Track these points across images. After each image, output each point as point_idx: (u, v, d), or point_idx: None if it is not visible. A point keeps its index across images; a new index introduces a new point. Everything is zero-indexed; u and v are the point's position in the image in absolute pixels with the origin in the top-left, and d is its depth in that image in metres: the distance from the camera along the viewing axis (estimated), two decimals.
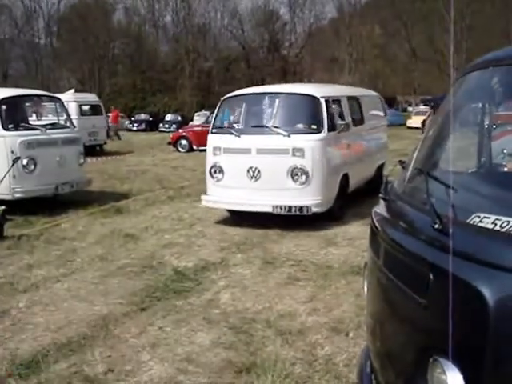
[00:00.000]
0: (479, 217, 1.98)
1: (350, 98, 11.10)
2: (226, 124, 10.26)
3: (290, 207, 8.77)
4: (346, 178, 9.98)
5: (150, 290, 6.25)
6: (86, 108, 24.41)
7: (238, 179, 9.26)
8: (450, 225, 2.02)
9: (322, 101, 9.29)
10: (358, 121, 11.28)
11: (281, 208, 8.79)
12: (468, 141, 3.17)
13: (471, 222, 2.00)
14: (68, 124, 12.09)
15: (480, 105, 3.00)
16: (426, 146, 2.97)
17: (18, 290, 6.40)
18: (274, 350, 4.73)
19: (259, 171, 9.07)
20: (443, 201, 2.17)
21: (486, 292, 1.76)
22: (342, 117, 10.07)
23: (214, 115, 10.44)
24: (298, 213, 8.75)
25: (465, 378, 1.81)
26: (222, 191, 9.51)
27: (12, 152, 10.13)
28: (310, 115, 9.48)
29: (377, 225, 2.82)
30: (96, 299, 6.02)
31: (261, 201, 8.94)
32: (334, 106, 9.84)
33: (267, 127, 9.36)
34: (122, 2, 69.78)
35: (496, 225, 1.90)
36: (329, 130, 9.17)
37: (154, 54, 66.30)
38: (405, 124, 43.53)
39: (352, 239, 8.36)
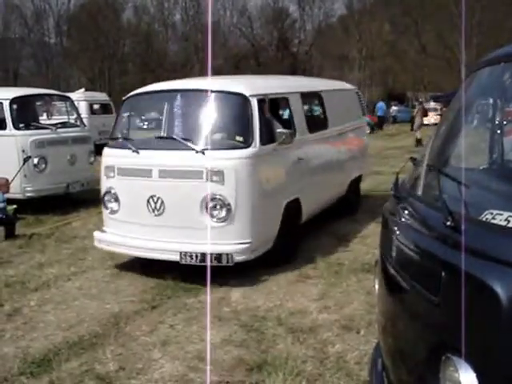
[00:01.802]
0: (492, 213, 1.97)
1: (306, 95, 8.69)
2: (126, 133, 7.56)
3: (204, 255, 6.17)
4: (296, 205, 7.44)
5: (160, 288, 6.26)
6: (96, 107, 24.45)
7: (136, 212, 6.77)
8: (463, 222, 2.00)
9: (253, 101, 6.65)
10: (319, 125, 8.73)
11: (191, 256, 6.25)
12: (479, 137, 3.15)
13: (484, 219, 1.98)
14: (78, 123, 12.11)
15: (491, 101, 2.98)
16: (437, 143, 2.95)
17: (30, 288, 6.42)
18: (285, 348, 4.73)
19: (162, 202, 6.54)
20: (455, 197, 2.16)
21: (499, 289, 1.74)
22: (289, 122, 7.72)
23: (114, 122, 7.93)
24: (215, 263, 6.14)
25: (478, 376, 1.80)
26: (118, 227, 6.99)
27: (23, 151, 10.17)
28: (233, 122, 6.96)
29: (388, 222, 2.80)
30: (107, 297, 6.04)
31: (165, 245, 6.45)
32: (274, 108, 7.60)
33: (174, 139, 6.85)
34: (132, 1, 69.88)
35: (509, 222, 1.89)
36: (263, 143, 6.61)
37: (163, 53, 66.37)
38: None
39: (363, 236, 8.34)
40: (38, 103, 13.11)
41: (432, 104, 44.80)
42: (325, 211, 8.88)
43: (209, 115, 6.91)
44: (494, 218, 1.95)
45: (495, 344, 1.76)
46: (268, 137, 6.78)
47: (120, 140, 7.21)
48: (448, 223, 2.06)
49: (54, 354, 4.71)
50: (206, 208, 6.32)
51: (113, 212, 6.97)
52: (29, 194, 10.28)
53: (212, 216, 6.33)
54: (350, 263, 7.01)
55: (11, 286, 6.51)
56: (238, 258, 6.23)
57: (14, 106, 10.57)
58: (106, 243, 6.98)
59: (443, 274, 2.00)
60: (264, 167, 6.78)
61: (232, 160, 6.41)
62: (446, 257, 2.03)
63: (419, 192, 2.70)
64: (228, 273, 6.36)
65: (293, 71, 61.78)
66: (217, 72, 63.71)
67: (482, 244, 1.92)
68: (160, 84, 8.02)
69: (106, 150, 7.20)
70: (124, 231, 6.85)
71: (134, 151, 6.74)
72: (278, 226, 6.92)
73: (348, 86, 11.53)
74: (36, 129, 10.84)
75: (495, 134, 2.97)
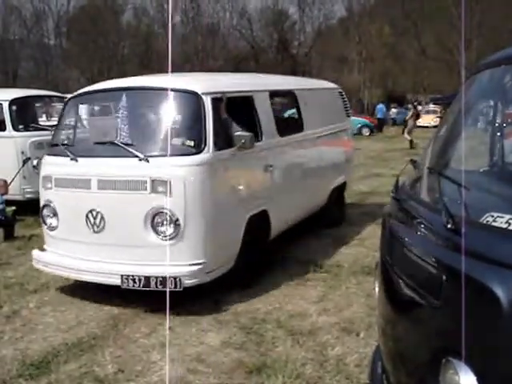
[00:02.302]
0: (492, 216, 1.96)
1: (277, 94, 7.99)
2: (68, 138, 6.67)
3: (148, 279, 5.40)
4: (263, 218, 6.65)
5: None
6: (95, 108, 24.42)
7: (74, 228, 6.00)
8: (463, 224, 2.00)
9: (207, 100, 5.85)
10: (292, 127, 7.95)
11: (134, 280, 5.46)
12: (480, 139, 3.14)
13: (484, 222, 1.97)
14: None
15: (492, 103, 2.98)
16: (437, 145, 2.94)
17: (29, 290, 6.41)
18: (285, 351, 4.73)
19: (102, 217, 5.77)
20: (456, 200, 2.15)
21: (500, 292, 1.74)
22: (255, 124, 6.72)
23: (56, 125, 7.10)
24: (159, 287, 5.36)
25: (478, 379, 1.79)
26: (57, 246, 6.24)
27: (22, 153, 10.17)
28: (184, 124, 6.08)
29: (388, 224, 2.80)
30: (106, 299, 6.02)
31: (105, 266, 5.72)
32: (236, 108, 6.47)
33: (115, 144, 5.88)
34: (131, 3, 69.96)
35: (510, 224, 1.88)
36: (219, 148, 5.83)
37: (163, 54, 66.24)
38: None
39: (363, 239, 8.33)
40: (38, 104, 13.04)
41: (431, 106, 44.80)
42: (303, 223, 8.23)
43: (155, 117, 6.26)
44: (494, 221, 1.94)
45: (496, 347, 1.76)
46: (225, 141, 5.99)
47: (60, 146, 6.32)
48: (449, 226, 2.06)
49: (52, 356, 4.71)
50: (152, 224, 5.57)
51: (51, 228, 6.21)
52: (28, 196, 10.25)
53: (158, 233, 5.58)
54: (350, 266, 7.00)
55: (10, 287, 6.51)
56: (189, 282, 5.42)
57: (14, 108, 10.56)
58: (44, 264, 6.21)
59: (444, 276, 1.99)
60: (219, 176, 5.97)
61: (180, 168, 5.59)
62: (446, 259, 2.02)
63: (420, 194, 2.70)
64: (226, 275, 6.35)
65: (292, 73, 61.82)
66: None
67: (483, 247, 1.91)
68: (107, 82, 7.06)
69: (44, 158, 6.52)
70: (63, 250, 6.08)
71: (72, 159, 5.98)
72: (240, 242, 6.12)
73: (330, 84, 10.39)
74: (35, 130, 10.80)
75: (496, 136, 2.96)
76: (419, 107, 40.37)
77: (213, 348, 4.83)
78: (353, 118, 31.04)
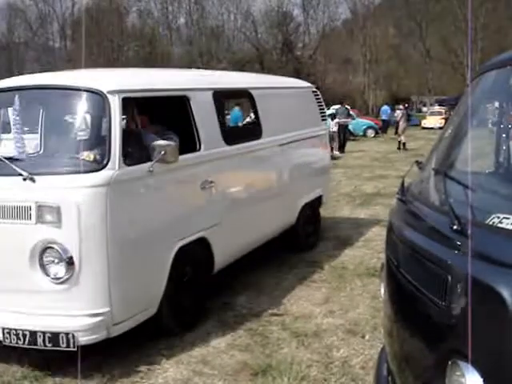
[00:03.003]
0: (498, 217, 1.95)
1: (225, 94, 6.55)
2: None
3: (35, 334, 4.22)
4: (202, 248, 5.39)
5: None
6: None
7: None
8: (469, 226, 1.99)
9: (114, 100, 4.55)
10: (246, 134, 6.94)
11: (18, 335, 4.26)
12: (485, 141, 3.13)
13: (490, 223, 1.97)
14: None
15: (497, 104, 2.97)
16: (443, 147, 2.94)
17: None
18: (290, 352, 4.72)
19: None
20: (461, 201, 2.14)
21: (506, 294, 1.73)
22: (189, 130, 5.43)
23: None
24: (48, 346, 4.23)
25: (485, 381, 1.78)
26: None
27: None
28: (82, 132, 4.70)
29: (394, 226, 2.79)
30: None
31: None
32: (160, 111, 5.63)
33: None
34: (136, 5, 70.01)
35: None
36: (130, 162, 4.56)
37: (167, 57, 66.41)
38: (419, 124, 43.33)
39: (368, 240, 8.31)
40: None
41: (437, 108, 44.76)
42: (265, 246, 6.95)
43: (49, 123, 5.11)
44: (500, 222, 1.93)
45: (502, 349, 1.75)
46: (140, 153, 4.74)
47: None
48: (454, 227, 2.05)
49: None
50: (39, 263, 4.31)
51: None
52: None
53: (47, 274, 4.30)
54: (355, 267, 6.99)
55: None
56: (86, 339, 4.22)
57: None
58: None
59: (450, 278, 1.99)
60: (130, 199, 4.59)
61: (74, 190, 4.29)
62: (452, 261, 2.01)
63: (425, 196, 2.69)
64: (232, 277, 6.35)
65: (297, 75, 61.89)
66: None
67: (489, 248, 1.91)
68: (2, 81, 5.37)
69: None
70: None
71: None
72: (164, 282, 4.81)
73: (301, 83, 9.01)
74: None
75: (501, 137, 2.95)
76: (424, 108, 40.33)
77: (218, 350, 4.82)
78: (358, 119, 31.03)
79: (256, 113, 6.83)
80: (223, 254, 5.71)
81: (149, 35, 67.80)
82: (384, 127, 36.46)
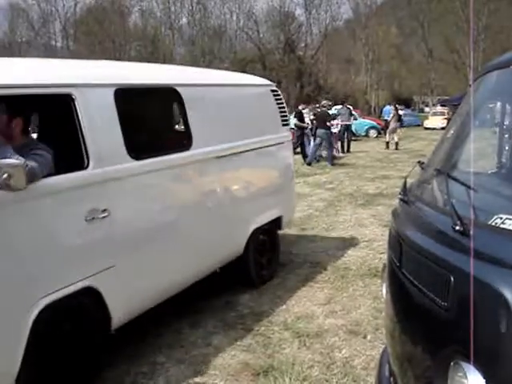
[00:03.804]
0: (501, 218, 1.95)
1: (135, 93, 4.89)
2: None
3: None
4: (90, 301, 4.08)
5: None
6: None
7: None
8: (472, 226, 1.99)
9: None
10: (165, 144, 5.20)
11: None
12: (488, 141, 3.13)
13: (493, 224, 1.96)
14: None
15: (500, 104, 2.96)
16: (445, 147, 2.93)
17: None
18: (292, 353, 4.71)
19: None
20: (464, 202, 2.14)
21: (509, 294, 1.73)
22: (72, 140, 4.06)
23: None
24: None
25: (487, 382, 1.78)
26: None
27: None
28: None
29: (396, 226, 2.78)
30: None
31: None
32: (31, 116, 4.55)
33: None
34: (138, 5, 70.08)
35: None
36: None
37: (169, 56, 66.48)
38: (421, 125, 43.33)
39: (370, 241, 8.31)
40: None
41: (439, 108, 44.74)
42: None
43: None
44: (503, 223, 1.93)
45: (505, 349, 1.74)
46: None
47: None
48: (457, 228, 2.05)
49: None
50: None
51: None
52: None
53: None
54: (357, 268, 6.98)
55: None
56: None
57: None
58: None
59: (452, 278, 1.98)
60: None
61: None
62: (454, 261, 2.01)
63: (428, 196, 2.69)
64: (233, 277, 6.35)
65: (299, 75, 61.92)
66: None
67: (492, 249, 1.90)
68: None
69: None
70: None
71: None
72: (20, 352, 3.48)
73: (255, 80, 7.22)
74: None
75: (504, 137, 2.95)
76: (426, 108, 40.36)
77: (219, 350, 4.82)
78: (360, 119, 30.97)
79: (185, 117, 5.28)
80: (124, 305, 4.35)
81: (151, 35, 67.87)
82: (386, 127, 36.48)
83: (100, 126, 4.20)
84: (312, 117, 20.85)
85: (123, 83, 4.61)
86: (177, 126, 6.34)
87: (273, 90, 6.97)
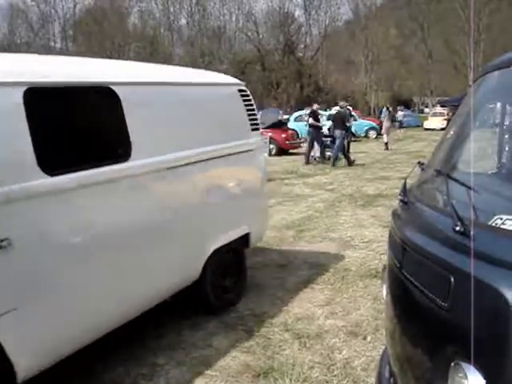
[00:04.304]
0: (501, 219, 1.95)
1: (57, 93, 3.96)
2: None
3: None
4: None
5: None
6: None
7: None
8: (472, 227, 1.98)
9: None
10: (94, 155, 4.14)
11: None
12: (488, 142, 3.13)
13: (493, 224, 1.96)
14: None
15: (500, 105, 2.96)
16: (445, 148, 2.93)
17: None
18: (292, 354, 4.71)
19: None
20: (464, 202, 2.13)
21: (509, 295, 1.73)
22: None
23: None
24: None
25: (487, 383, 1.78)
26: None
27: None
28: None
29: (396, 227, 2.78)
30: None
31: None
32: None
33: None
34: (137, 6, 70.15)
35: None
36: None
37: (169, 57, 66.52)
38: (421, 125, 43.38)
39: (370, 242, 8.31)
40: None
41: (439, 109, 44.81)
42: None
43: None
44: (503, 223, 1.93)
45: (505, 350, 1.74)
46: None
47: None
48: (457, 228, 2.04)
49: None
50: None
51: None
52: None
53: None
54: (357, 269, 6.97)
55: None
56: None
57: None
58: None
59: (452, 279, 1.98)
60: None
61: None
62: (455, 262, 2.01)
63: (428, 197, 2.69)
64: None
65: (298, 76, 61.98)
66: None
67: (492, 249, 1.90)
68: None
69: None
70: None
71: None
72: None
73: (218, 78, 6.34)
74: None
75: (504, 138, 2.95)
76: (426, 109, 40.44)
77: (219, 351, 4.82)
78: (360, 120, 31.04)
79: (122, 122, 4.36)
80: (32, 355, 3.58)
81: (150, 36, 67.96)
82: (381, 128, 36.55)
83: (1, 134, 3.42)
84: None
85: (38, 81, 3.78)
86: (113, 133, 4.58)
87: (241, 90, 6.20)
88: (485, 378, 1.78)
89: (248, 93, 6.28)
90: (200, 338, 5.09)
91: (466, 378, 1.81)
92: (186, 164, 5.04)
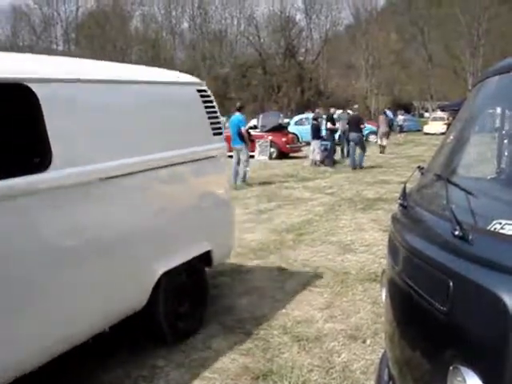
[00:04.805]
0: (500, 223, 1.95)
1: None
2: None
3: None
4: None
5: None
6: None
7: None
8: (471, 231, 1.99)
9: None
10: None
11: None
12: (487, 146, 3.14)
13: (492, 229, 1.97)
14: None
15: (500, 110, 2.97)
16: (445, 152, 2.94)
17: None
18: (291, 357, 4.71)
19: None
20: (463, 207, 2.14)
21: (508, 299, 1.73)
22: None
23: None
24: None
25: None
26: None
27: None
28: None
29: (396, 231, 2.79)
30: None
31: None
32: None
33: None
34: (140, 9, 70.22)
35: None
36: None
37: (170, 61, 66.57)
38: (421, 130, 43.38)
39: (370, 245, 8.31)
40: None
41: (439, 113, 44.81)
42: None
43: None
44: (502, 228, 1.93)
45: (504, 354, 1.75)
46: None
47: None
48: (456, 233, 2.05)
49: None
50: None
51: None
52: None
53: None
54: (357, 272, 6.98)
55: None
56: None
57: None
58: None
59: (451, 283, 1.99)
60: None
61: None
62: (454, 266, 2.02)
63: (427, 201, 2.69)
64: (234, 280, 6.35)
65: (299, 80, 62.00)
66: (223, 80, 64.21)
67: (491, 254, 1.91)
68: None
69: None
70: None
71: None
72: None
73: (174, 76, 5.55)
74: None
75: (503, 143, 2.96)
76: (426, 114, 40.53)
77: (219, 354, 4.82)
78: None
79: (41, 125, 3.68)
80: None
81: (152, 39, 68.01)
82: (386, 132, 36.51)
83: None
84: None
85: None
86: (28, 138, 3.79)
87: (200, 90, 5.52)
88: (483, 382, 1.79)
89: (209, 93, 5.63)
90: (199, 341, 5.09)
91: (465, 381, 1.81)
92: (128, 174, 4.31)
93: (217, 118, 5.69)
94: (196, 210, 5.29)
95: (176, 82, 5.41)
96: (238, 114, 15.52)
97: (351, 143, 19.47)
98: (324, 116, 21.34)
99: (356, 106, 22.29)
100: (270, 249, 8.23)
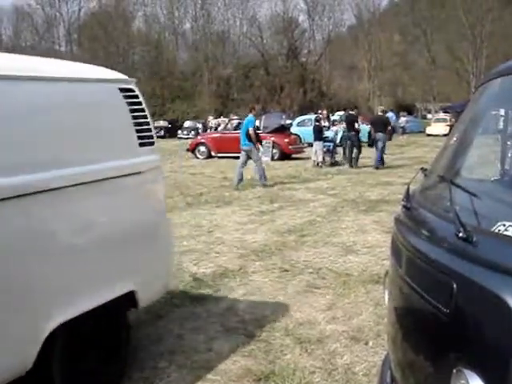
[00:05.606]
0: (504, 225, 1.94)
1: None
2: None
3: None
4: None
5: (167, 297, 6.24)
6: None
7: None
8: (475, 233, 1.98)
9: None
10: None
11: None
12: (491, 148, 3.13)
13: (496, 231, 1.96)
14: None
15: (503, 111, 2.96)
16: (448, 154, 2.93)
17: None
18: (293, 359, 4.70)
19: None
20: (467, 209, 2.13)
21: (511, 301, 1.72)
22: None
23: None
24: None
25: None
26: None
27: None
28: None
29: (399, 233, 2.78)
30: None
31: None
32: None
33: None
34: (142, 10, 70.32)
35: None
36: None
37: (173, 61, 66.77)
38: (424, 131, 43.39)
39: (372, 247, 8.30)
40: None
41: (442, 115, 44.82)
42: None
43: None
44: (506, 230, 1.92)
45: (508, 357, 1.74)
46: None
47: None
48: (460, 234, 2.04)
49: None
50: None
51: None
52: None
53: None
54: (359, 274, 6.97)
55: None
56: None
57: None
58: None
59: (455, 285, 1.98)
60: None
61: None
62: (457, 268, 2.00)
63: (430, 203, 2.68)
64: (236, 281, 6.34)
65: (302, 81, 62.05)
66: (226, 81, 64.40)
67: (495, 256, 1.90)
68: None
69: None
70: None
71: None
72: None
73: (90, 72, 4.23)
74: None
75: (507, 145, 2.95)
76: (429, 115, 40.57)
77: (220, 355, 4.80)
78: (363, 126, 31.43)
79: None
80: None
81: (154, 40, 68.13)
82: (389, 134, 36.51)
83: None
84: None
85: None
86: None
87: (125, 90, 4.28)
88: None
89: (137, 93, 4.39)
90: (201, 342, 5.08)
91: None
92: (8, 198, 3.13)
93: (146, 124, 4.45)
94: (112, 242, 4.04)
95: (88, 79, 4.09)
96: (250, 116, 15.62)
97: (378, 143, 19.81)
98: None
99: (381, 108, 22.74)
100: (272, 250, 8.22)
